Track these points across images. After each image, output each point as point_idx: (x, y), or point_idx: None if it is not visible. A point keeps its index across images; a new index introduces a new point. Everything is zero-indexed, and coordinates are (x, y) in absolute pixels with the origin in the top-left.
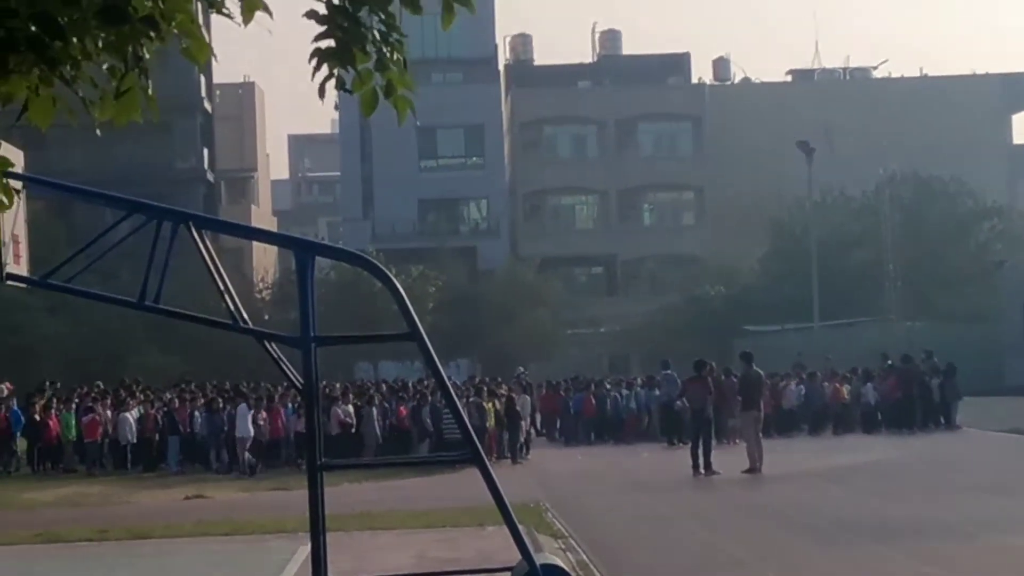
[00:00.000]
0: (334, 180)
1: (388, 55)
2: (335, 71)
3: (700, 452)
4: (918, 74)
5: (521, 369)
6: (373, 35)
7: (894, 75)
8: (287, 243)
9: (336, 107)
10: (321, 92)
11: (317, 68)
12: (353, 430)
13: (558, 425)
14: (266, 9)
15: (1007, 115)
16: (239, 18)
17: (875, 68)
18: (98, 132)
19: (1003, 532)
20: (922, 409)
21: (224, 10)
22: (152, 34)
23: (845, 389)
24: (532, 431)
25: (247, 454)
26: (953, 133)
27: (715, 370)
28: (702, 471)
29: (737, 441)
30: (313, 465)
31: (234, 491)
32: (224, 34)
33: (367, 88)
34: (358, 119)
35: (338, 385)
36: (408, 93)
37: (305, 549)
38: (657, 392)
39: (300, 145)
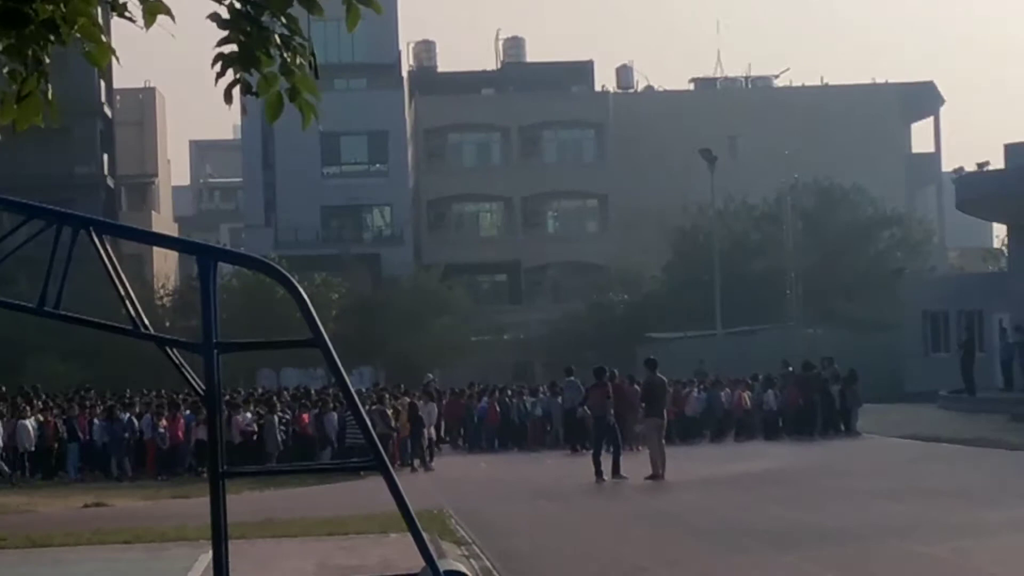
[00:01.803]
0: (236, 186)
1: (291, 59)
2: (239, 76)
3: (604, 458)
4: (819, 83)
5: (430, 376)
6: (276, 39)
7: (795, 84)
8: (189, 248)
9: (244, 109)
10: (227, 97)
11: (221, 73)
12: (255, 437)
13: (462, 432)
14: (168, 13)
15: (906, 124)
16: (141, 22)
17: (777, 77)
18: None
19: (903, 537)
20: (823, 416)
21: (126, 14)
22: (52, 38)
23: (747, 396)
24: (436, 438)
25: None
26: (853, 142)
27: (616, 376)
28: (605, 478)
29: (640, 448)
30: (215, 472)
31: (135, 499)
32: (125, 39)
33: (272, 92)
34: (260, 125)
35: (240, 392)
36: (312, 98)
37: (206, 557)
38: (560, 399)
39: (202, 151)
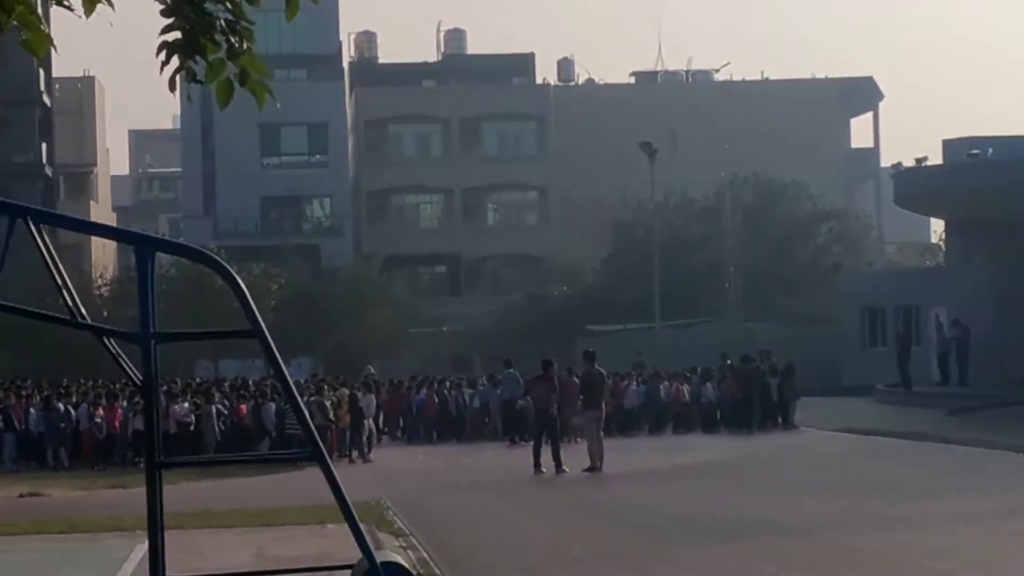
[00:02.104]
0: (176, 176)
1: (238, 44)
2: (185, 63)
3: (545, 451)
4: (759, 77)
5: (370, 368)
6: (221, 24)
7: (736, 78)
8: (127, 238)
9: (190, 97)
10: (171, 85)
11: (166, 61)
12: (192, 428)
13: (401, 424)
14: (108, 1)
15: (846, 119)
16: (80, 10)
17: (717, 71)
18: None
19: (838, 530)
20: (761, 409)
21: (65, 2)
22: None
23: (685, 389)
24: (375, 430)
25: None
26: (793, 136)
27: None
28: (544, 470)
29: (578, 440)
30: (152, 463)
31: (71, 489)
32: (64, 27)
33: (221, 78)
34: (200, 115)
35: (178, 382)
36: (264, 79)
37: (143, 547)
38: (499, 391)
39: (141, 141)
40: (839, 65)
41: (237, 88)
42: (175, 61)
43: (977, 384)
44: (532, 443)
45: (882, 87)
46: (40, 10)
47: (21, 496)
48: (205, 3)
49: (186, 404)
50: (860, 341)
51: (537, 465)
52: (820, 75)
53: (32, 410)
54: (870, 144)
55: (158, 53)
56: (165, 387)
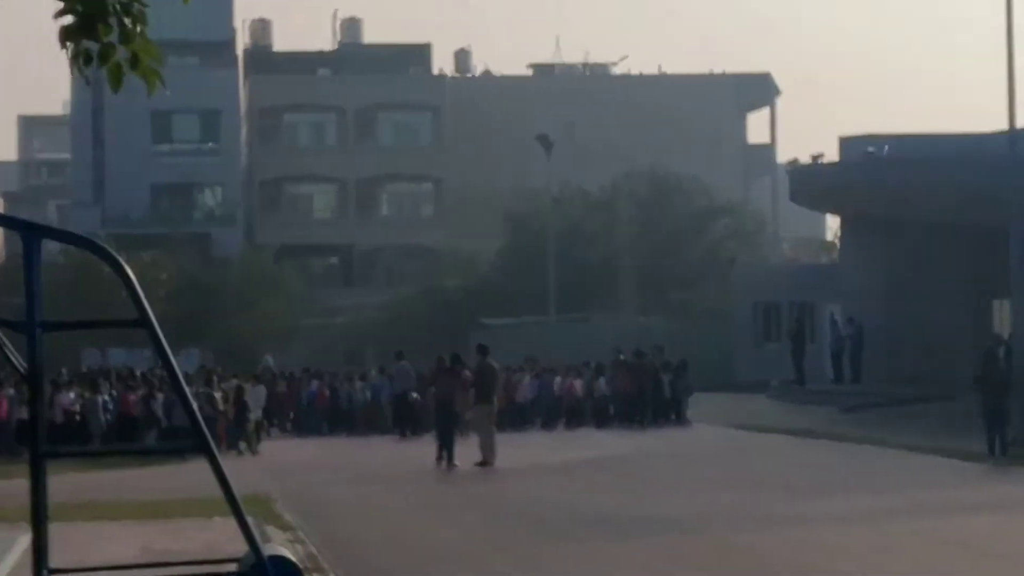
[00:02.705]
0: (65, 163)
1: (131, 26)
2: (81, 46)
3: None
4: (657, 72)
5: (268, 359)
6: (115, 7)
7: (633, 72)
8: (13, 225)
9: (88, 81)
10: (77, 68)
11: (63, 45)
12: (78, 418)
13: (291, 416)
14: None
15: (742, 115)
16: None
17: (615, 64)
18: None
19: (729, 526)
20: (653, 404)
21: None
22: None
23: (578, 383)
24: (265, 422)
25: None
26: (690, 131)
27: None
28: (448, 462)
29: (470, 434)
30: (35, 453)
31: None
32: None
33: (112, 62)
34: (91, 101)
35: (64, 372)
36: (155, 64)
37: (26, 539)
38: (391, 383)
39: (30, 126)
40: (736, 60)
41: (131, 74)
42: (72, 45)
43: (870, 382)
44: (424, 437)
45: (779, 83)
46: None
47: None
48: None
49: (72, 394)
50: (754, 337)
51: (440, 457)
52: (717, 70)
53: None
54: (767, 140)
55: (61, 39)
56: (51, 376)
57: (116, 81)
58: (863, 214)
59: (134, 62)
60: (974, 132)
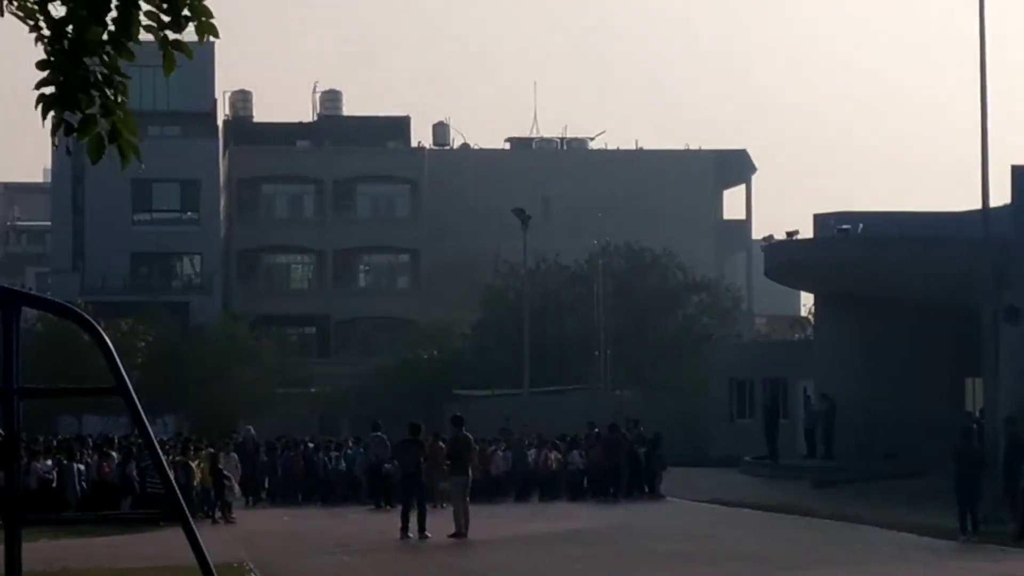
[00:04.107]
0: (44, 230)
1: (112, 98)
2: (62, 116)
3: (411, 515)
4: (634, 147)
5: (249, 428)
6: (96, 77)
7: (611, 147)
8: None
9: (68, 151)
10: (54, 138)
11: (44, 115)
12: (54, 485)
13: (266, 485)
14: None
15: (718, 191)
16: None
17: (592, 139)
18: None
19: None
20: (628, 478)
21: None
22: None
23: (553, 456)
24: (239, 491)
25: None
26: (666, 206)
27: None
28: (411, 535)
29: (444, 505)
30: (10, 520)
31: None
32: None
33: (92, 133)
34: (72, 169)
35: (40, 439)
36: (133, 139)
37: None
38: (366, 454)
39: (10, 193)
40: (713, 137)
41: (109, 146)
42: (52, 115)
43: (843, 457)
44: (398, 507)
45: (755, 160)
46: None
47: None
48: (82, 56)
49: (48, 461)
50: (728, 412)
51: (404, 529)
52: (694, 146)
53: None
54: (742, 216)
55: (36, 105)
56: (27, 443)
57: (96, 153)
58: (837, 291)
59: (113, 134)
60: (948, 211)
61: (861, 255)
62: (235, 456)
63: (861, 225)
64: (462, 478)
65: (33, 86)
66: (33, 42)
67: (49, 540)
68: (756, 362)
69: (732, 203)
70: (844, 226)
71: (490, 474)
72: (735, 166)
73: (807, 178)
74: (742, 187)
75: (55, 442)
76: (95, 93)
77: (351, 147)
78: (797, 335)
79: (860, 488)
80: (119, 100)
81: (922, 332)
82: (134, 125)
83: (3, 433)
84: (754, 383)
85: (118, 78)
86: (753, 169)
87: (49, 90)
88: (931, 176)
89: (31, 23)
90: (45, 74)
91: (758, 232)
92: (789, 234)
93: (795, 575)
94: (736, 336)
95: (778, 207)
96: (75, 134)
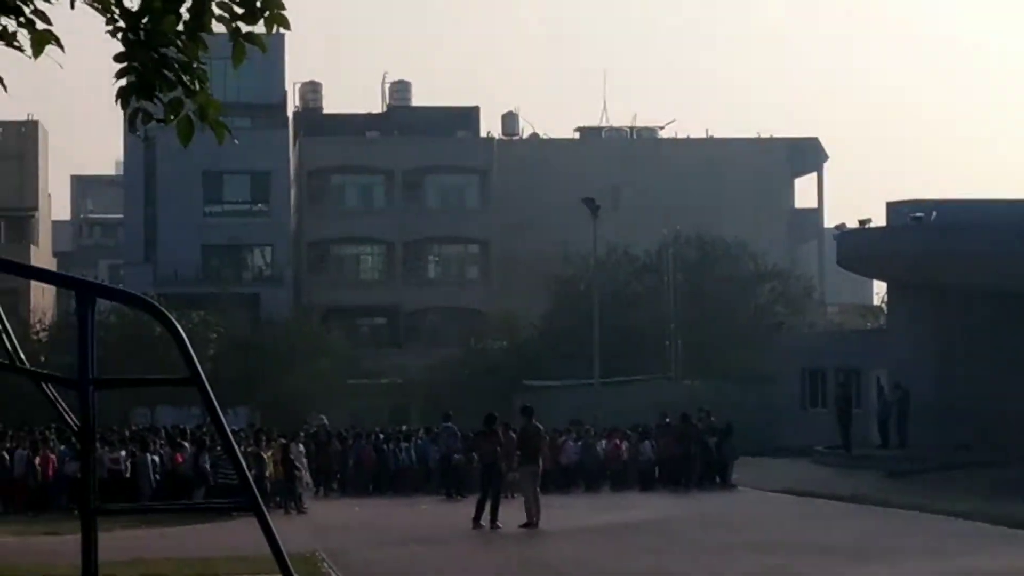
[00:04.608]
0: (117, 223)
1: (191, 85)
2: (140, 106)
3: (486, 506)
4: (704, 135)
5: (322, 418)
6: (174, 66)
7: (681, 136)
8: (67, 284)
9: (145, 139)
10: (132, 126)
11: (124, 104)
12: (128, 476)
13: (338, 476)
14: (58, 43)
15: (790, 179)
16: (30, 51)
17: (662, 128)
18: None
19: None
20: (699, 468)
21: (15, 43)
22: None
23: (624, 446)
24: (310, 481)
25: None
26: (737, 195)
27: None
28: (483, 524)
29: (514, 495)
30: (86, 509)
31: (5, 535)
32: (4, 69)
33: (181, 116)
34: (143, 161)
35: (115, 430)
36: (220, 116)
37: None
38: (437, 444)
39: (83, 186)
40: (785, 125)
41: (202, 125)
42: (131, 104)
43: (916, 447)
44: (470, 498)
45: (827, 148)
46: None
47: None
48: (158, 47)
49: (123, 452)
50: (800, 402)
51: (477, 519)
52: (765, 135)
53: None
54: (814, 204)
55: (116, 100)
56: (101, 434)
57: (187, 135)
58: (910, 279)
59: (202, 114)
60: (1022, 198)
61: (933, 243)
62: (304, 447)
63: (934, 213)
64: (532, 468)
65: (108, 78)
66: (107, 34)
67: (123, 530)
68: (829, 351)
69: (804, 191)
70: (917, 214)
71: (560, 464)
72: (807, 154)
73: (880, 166)
74: (814, 175)
75: (128, 433)
76: (173, 79)
77: (420, 137)
78: (870, 324)
79: (933, 478)
80: (199, 86)
81: (998, 320)
82: (219, 104)
83: (78, 424)
84: (827, 372)
85: (196, 64)
86: (825, 157)
87: (126, 81)
88: (1006, 163)
89: (107, 15)
90: (123, 65)
91: (830, 220)
92: (862, 222)
93: (868, 565)
94: (808, 325)
95: (850, 195)
96: (155, 122)
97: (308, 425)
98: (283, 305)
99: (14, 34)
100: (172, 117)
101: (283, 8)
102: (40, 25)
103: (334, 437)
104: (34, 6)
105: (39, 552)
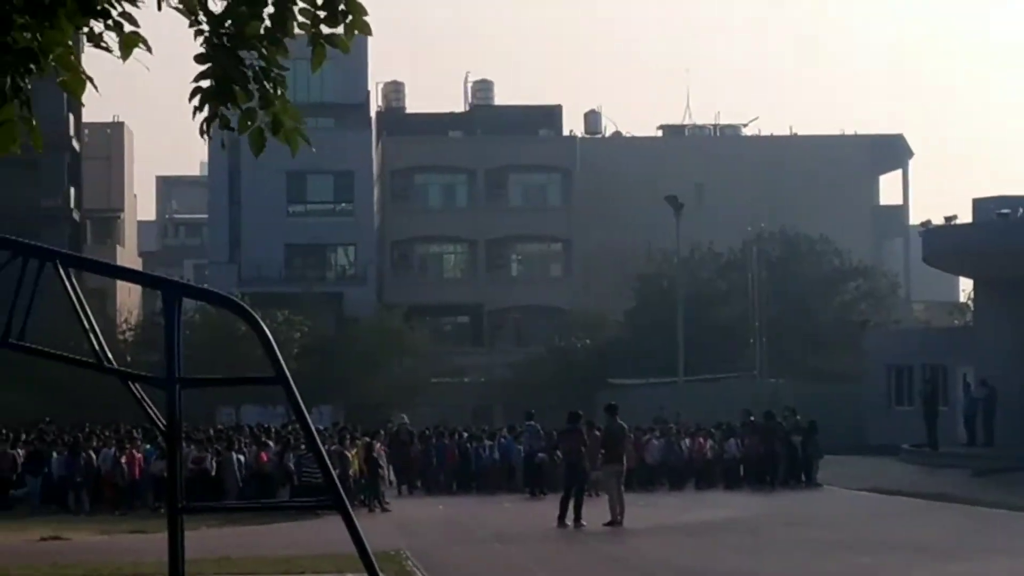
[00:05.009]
0: (201, 223)
1: (271, 91)
2: (217, 110)
3: (570, 504)
4: (788, 133)
5: (403, 417)
6: (254, 71)
7: (764, 133)
8: (154, 283)
9: (223, 145)
10: (204, 132)
11: (199, 107)
12: (214, 474)
13: (420, 474)
14: (145, 45)
15: (874, 176)
16: (118, 53)
17: (745, 125)
18: None
19: None
20: (784, 466)
21: (103, 44)
22: (32, 66)
23: (708, 444)
24: (393, 479)
25: None
26: (821, 192)
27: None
28: (568, 523)
29: (598, 494)
30: (173, 508)
31: (92, 533)
32: (91, 71)
33: (254, 127)
34: (228, 162)
35: (200, 428)
36: (297, 124)
37: None
38: (520, 442)
39: (168, 186)
40: (868, 122)
41: (268, 135)
42: (208, 108)
43: (1004, 445)
44: (553, 496)
45: (912, 144)
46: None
47: (42, 539)
48: (239, 50)
49: (208, 451)
50: (886, 400)
51: (562, 517)
52: (849, 131)
53: (55, 454)
54: (899, 201)
55: (191, 99)
56: (187, 433)
57: (258, 147)
58: (997, 276)
59: (275, 126)
60: None
61: (1021, 239)
62: (381, 445)
63: (1021, 209)
64: (616, 467)
65: (190, 80)
66: (191, 36)
67: (209, 528)
68: (915, 349)
69: (888, 188)
70: (1004, 210)
71: (645, 462)
72: (891, 151)
73: (965, 162)
74: (898, 172)
75: (213, 432)
76: (253, 87)
77: (503, 136)
78: (956, 321)
79: (1020, 476)
80: (278, 92)
81: None
82: (297, 112)
83: (164, 423)
84: (913, 370)
85: (275, 71)
86: (910, 154)
87: (206, 83)
88: None
89: (192, 17)
90: (203, 68)
91: (915, 217)
92: (947, 219)
93: (955, 564)
94: (894, 323)
95: (936, 192)
96: (229, 129)
97: (391, 424)
98: (366, 304)
99: (101, 36)
100: (248, 124)
101: (365, 14)
102: (128, 28)
103: (416, 436)
104: (122, 8)
105: (126, 550)
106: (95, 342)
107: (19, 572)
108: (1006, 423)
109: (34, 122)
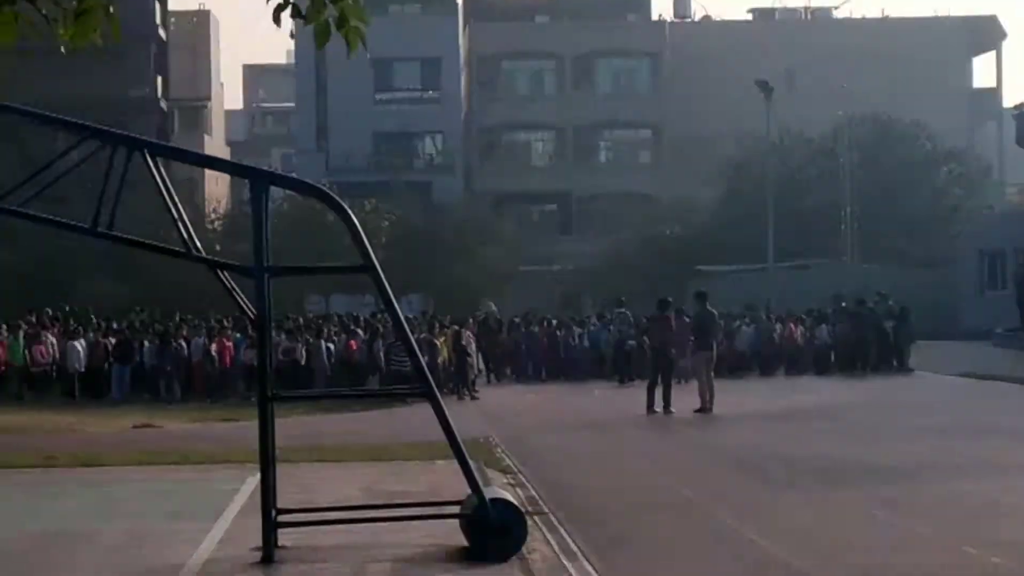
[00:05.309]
0: (288, 111)
1: None
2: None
3: (658, 391)
4: (880, 15)
5: (492, 305)
6: None
7: (855, 16)
8: (242, 172)
9: (292, 35)
10: (276, 19)
11: None
12: (303, 363)
13: (508, 362)
14: None
15: (968, 58)
16: None
17: (837, 8)
18: (62, 50)
19: (952, 475)
20: (875, 352)
21: None
22: None
23: (799, 331)
24: (482, 367)
25: None
26: (914, 76)
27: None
28: (657, 410)
29: (687, 380)
30: (264, 396)
31: (183, 421)
32: None
33: (320, 19)
34: (313, 50)
35: (289, 317)
36: (361, 25)
37: (254, 479)
38: (610, 330)
39: (255, 75)
40: (961, 3)
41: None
42: None
43: None
44: (644, 383)
45: (1005, 26)
46: None
47: (135, 427)
48: None
49: (298, 339)
50: (978, 284)
51: (650, 405)
52: (942, 13)
53: (146, 343)
54: (992, 84)
55: None
56: (276, 322)
57: (323, 38)
58: None
59: (340, 21)
60: None
61: None
62: (470, 333)
63: None
64: (706, 354)
65: None
66: None
67: (299, 416)
68: (1008, 233)
69: (982, 71)
70: None
71: (735, 349)
72: (985, 32)
73: None
74: (992, 54)
75: (303, 320)
76: None
77: (590, 21)
78: None
79: None
80: None
81: None
82: (362, 12)
83: (254, 312)
84: (1006, 254)
85: None
86: (1004, 35)
87: None
88: None
89: None
90: None
91: (1009, 100)
92: None
93: None
94: (987, 207)
95: None
96: (298, 18)
97: (479, 312)
98: (454, 193)
99: None
100: (318, 15)
101: None
102: None
103: (504, 324)
104: None
105: (217, 438)
106: (184, 231)
107: (112, 459)
108: None
109: (111, 10)
